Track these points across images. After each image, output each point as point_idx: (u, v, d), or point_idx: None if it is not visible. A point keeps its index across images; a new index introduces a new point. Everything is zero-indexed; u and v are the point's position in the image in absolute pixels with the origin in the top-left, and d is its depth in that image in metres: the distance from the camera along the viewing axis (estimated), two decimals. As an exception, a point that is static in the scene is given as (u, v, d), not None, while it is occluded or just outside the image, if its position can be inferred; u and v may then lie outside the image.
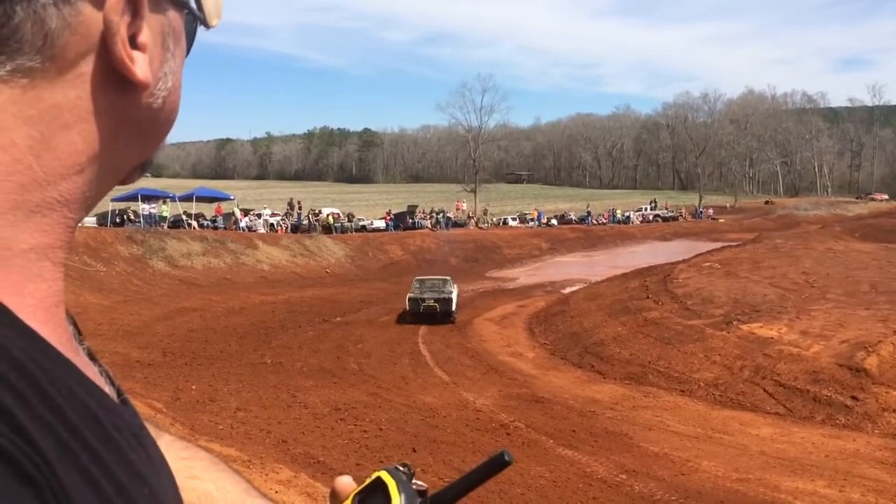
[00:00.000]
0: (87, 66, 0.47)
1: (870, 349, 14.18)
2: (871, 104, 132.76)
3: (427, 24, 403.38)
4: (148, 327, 20.19)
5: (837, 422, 12.38)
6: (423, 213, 52.88)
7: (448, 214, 53.60)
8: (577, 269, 38.20)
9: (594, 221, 61.21)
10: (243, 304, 24.81)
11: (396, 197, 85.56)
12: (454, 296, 22.62)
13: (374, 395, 14.37)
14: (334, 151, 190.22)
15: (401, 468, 0.76)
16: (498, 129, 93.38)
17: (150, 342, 18.32)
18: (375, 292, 29.29)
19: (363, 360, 17.55)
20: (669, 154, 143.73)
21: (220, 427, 11.87)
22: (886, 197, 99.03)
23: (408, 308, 22.22)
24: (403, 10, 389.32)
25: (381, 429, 12.20)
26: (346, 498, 0.77)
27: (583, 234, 55.80)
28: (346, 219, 47.31)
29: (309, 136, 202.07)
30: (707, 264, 26.79)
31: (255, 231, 40.13)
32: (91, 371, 0.52)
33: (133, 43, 0.49)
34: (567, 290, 28.74)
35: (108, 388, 0.53)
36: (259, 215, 44.33)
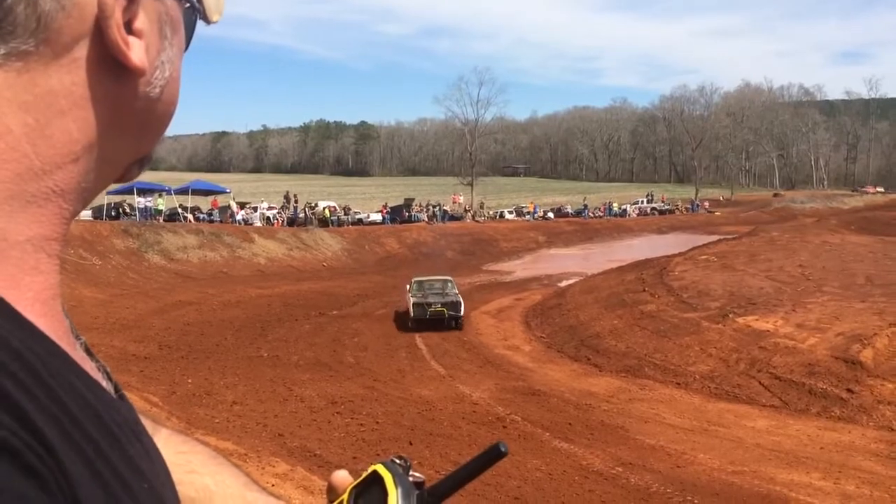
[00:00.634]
0: (82, 51, 0.47)
1: (865, 342, 14.22)
2: (867, 97, 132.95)
3: (426, 17, 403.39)
4: (144, 321, 20.16)
5: (833, 414, 12.42)
6: (420, 206, 52.93)
7: (444, 208, 53.63)
8: (573, 262, 38.22)
9: (591, 214, 61.33)
10: (239, 298, 24.79)
11: (393, 190, 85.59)
12: (461, 299, 20.76)
13: (371, 388, 14.38)
14: (331, 144, 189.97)
15: (397, 461, 0.76)
16: (495, 123, 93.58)
17: (145, 336, 18.30)
18: (372, 286, 29.29)
19: (360, 353, 17.56)
20: (666, 147, 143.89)
21: (217, 420, 11.88)
22: (882, 189, 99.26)
23: (412, 314, 20.00)
24: (402, 3, 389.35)
25: (377, 422, 12.21)
26: (344, 492, 0.77)
27: (579, 227, 55.86)
28: (343, 212, 47.31)
29: (305, 128, 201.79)
30: (703, 257, 26.83)
31: (251, 224, 40.11)
32: (88, 365, 0.52)
33: (129, 28, 0.48)
34: (563, 284, 28.77)
35: (105, 383, 0.53)
36: (255, 208, 44.31)
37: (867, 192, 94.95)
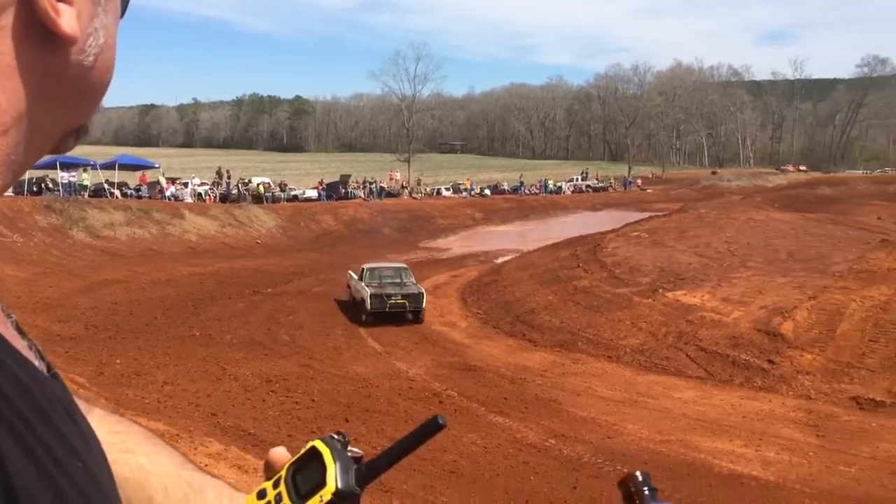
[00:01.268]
0: (8, 19, 0.45)
1: (786, 314, 14.84)
2: (792, 78, 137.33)
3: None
4: (69, 300, 19.49)
5: (755, 384, 12.94)
6: (357, 182, 52.44)
7: (381, 184, 53.30)
8: (509, 239, 38.60)
9: (527, 192, 61.86)
10: (170, 276, 24.19)
11: (329, 166, 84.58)
12: (422, 289, 18.86)
13: (307, 366, 14.29)
14: (264, 119, 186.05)
15: (336, 437, 0.76)
16: (432, 99, 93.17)
17: (71, 315, 17.70)
18: (308, 263, 28.97)
19: (295, 331, 17.39)
20: (600, 125, 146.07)
21: (147, 401, 11.63)
22: (805, 168, 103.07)
23: (369, 307, 17.88)
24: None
25: (313, 400, 12.16)
26: (281, 468, 0.76)
27: (515, 204, 56.36)
28: (279, 188, 46.51)
29: (238, 102, 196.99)
30: (635, 234, 27.45)
31: (181, 200, 39.06)
32: (20, 343, 0.52)
33: None
34: (499, 260, 29.04)
35: (37, 363, 0.52)
36: (186, 184, 43.15)
37: (788, 171, 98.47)
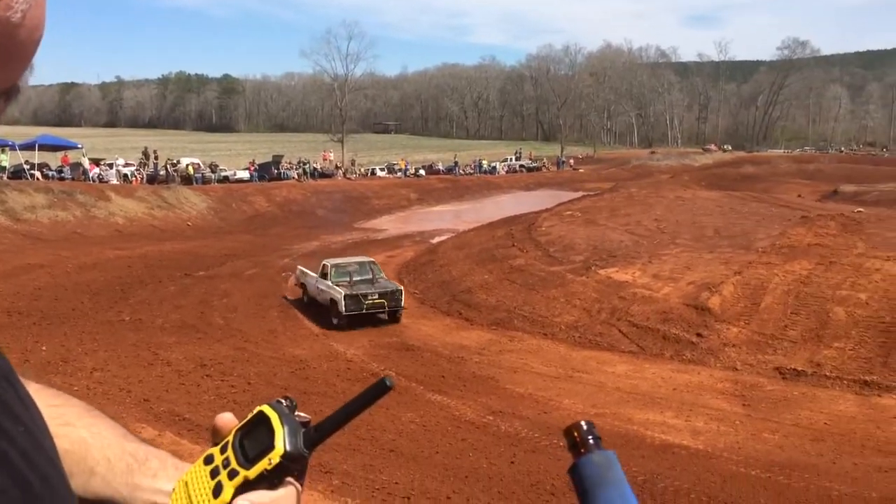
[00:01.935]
0: None
1: (713, 290, 15.36)
2: (717, 59, 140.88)
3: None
4: (-12, 286, 18.67)
5: (684, 357, 13.38)
6: (289, 163, 51.58)
7: (315, 165, 52.60)
8: (445, 219, 38.69)
9: (461, 172, 61.97)
10: (96, 260, 23.39)
11: (260, 147, 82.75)
12: (400, 286, 17.36)
13: (242, 349, 14.09)
14: (192, 98, 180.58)
15: (283, 401, 0.76)
16: (365, 78, 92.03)
17: (-9, 302, 16.98)
18: (240, 245, 28.45)
19: (229, 314, 17.10)
20: (533, 105, 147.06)
21: (76, 388, 11.26)
22: (729, 147, 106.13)
23: (344, 309, 15.90)
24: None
25: (249, 383, 12.02)
26: (228, 434, 0.76)
27: (450, 184, 56.44)
28: (209, 169, 45.39)
29: (164, 81, 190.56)
30: (568, 213, 27.88)
31: (106, 182, 37.72)
32: None
33: None
34: (435, 240, 29.11)
35: None
36: (111, 165, 41.68)
37: (712, 150, 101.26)
